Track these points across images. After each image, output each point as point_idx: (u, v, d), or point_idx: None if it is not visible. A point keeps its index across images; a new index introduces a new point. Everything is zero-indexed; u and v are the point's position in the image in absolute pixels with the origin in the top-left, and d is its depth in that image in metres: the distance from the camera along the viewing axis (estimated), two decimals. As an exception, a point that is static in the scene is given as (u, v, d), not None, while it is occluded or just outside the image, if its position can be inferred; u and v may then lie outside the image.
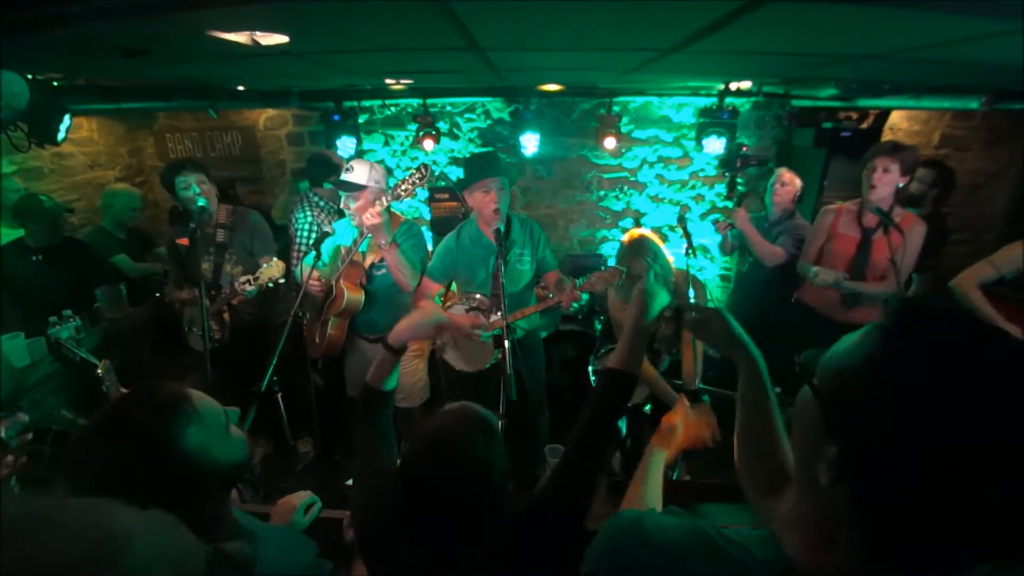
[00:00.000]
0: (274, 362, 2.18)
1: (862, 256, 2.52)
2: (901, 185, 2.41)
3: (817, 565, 0.55)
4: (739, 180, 4.26)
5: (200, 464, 0.87)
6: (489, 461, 0.99)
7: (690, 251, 2.50)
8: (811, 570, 0.55)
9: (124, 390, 1.45)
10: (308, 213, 3.20)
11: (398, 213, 2.63)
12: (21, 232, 2.93)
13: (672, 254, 2.58)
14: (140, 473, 0.82)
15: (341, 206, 2.43)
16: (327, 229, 2.59)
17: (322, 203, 3.25)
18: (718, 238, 3.51)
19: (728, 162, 3.59)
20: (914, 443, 0.46)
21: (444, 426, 1.02)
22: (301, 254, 3.03)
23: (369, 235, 2.40)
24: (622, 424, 2.82)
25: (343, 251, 2.52)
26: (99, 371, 1.45)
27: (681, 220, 2.75)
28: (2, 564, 0.36)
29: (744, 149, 3.54)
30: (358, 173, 2.36)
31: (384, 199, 2.26)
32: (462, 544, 0.98)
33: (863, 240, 2.51)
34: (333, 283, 2.47)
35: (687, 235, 2.59)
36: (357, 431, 1.31)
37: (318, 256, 2.42)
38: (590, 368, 2.78)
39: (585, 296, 2.56)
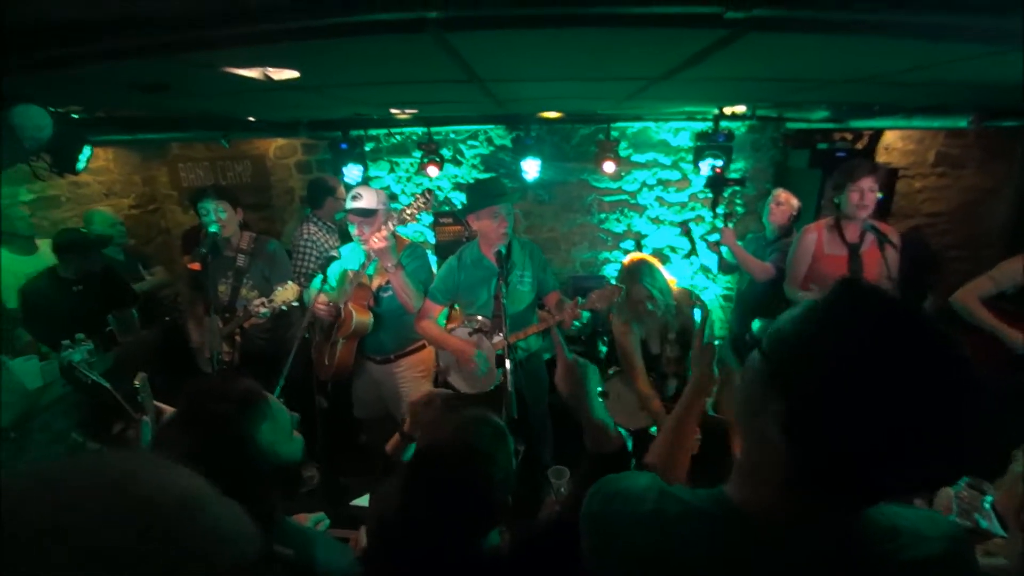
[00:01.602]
0: (281, 383, 2.21)
1: (855, 272, 2.55)
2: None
3: (743, 498, 0.65)
4: (738, 201, 4.34)
5: (267, 457, 0.97)
6: (493, 456, 1.05)
7: (693, 255, 2.52)
8: (742, 503, 0.65)
9: (158, 404, 1.54)
10: (309, 235, 3.32)
11: (403, 236, 2.70)
12: (46, 261, 2.98)
13: (675, 269, 2.62)
14: (216, 457, 0.88)
15: (355, 233, 2.48)
16: (333, 253, 2.65)
17: (321, 224, 3.38)
18: (715, 257, 3.57)
19: (709, 183, 3.70)
20: (839, 399, 0.55)
21: (458, 421, 1.11)
22: (306, 275, 3.10)
23: (375, 258, 2.47)
24: (628, 442, 2.82)
25: (351, 275, 2.58)
26: (136, 383, 1.55)
27: (684, 224, 2.80)
28: (81, 513, 0.38)
29: (718, 171, 3.62)
30: (367, 199, 2.42)
31: (390, 223, 2.33)
32: (458, 532, 1.02)
33: (851, 256, 2.55)
34: (341, 306, 2.52)
35: (691, 240, 2.61)
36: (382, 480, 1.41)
37: (324, 279, 2.48)
38: (599, 390, 2.80)
39: (586, 314, 2.59)
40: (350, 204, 2.43)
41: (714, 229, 4.38)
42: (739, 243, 3.33)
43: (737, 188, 4.24)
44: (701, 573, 0.63)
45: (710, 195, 4.29)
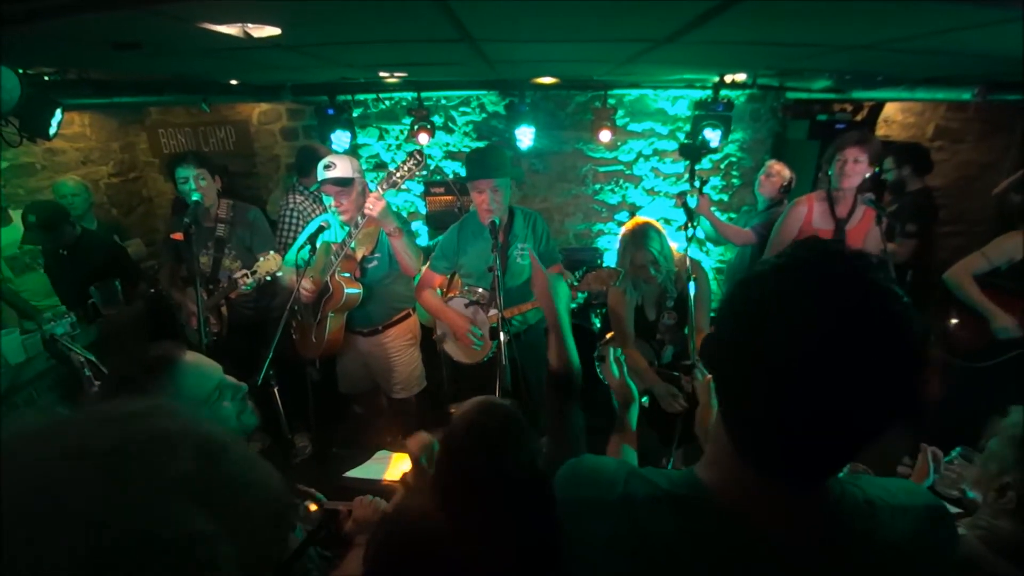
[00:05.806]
0: (270, 356, 2.17)
1: None
2: (868, 175, 2.43)
3: (713, 480, 0.64)
4: (734, 173, 4.28)
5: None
6: (536, 448, 1.00)
7: (691, 225, 2.43)
8: (711, 484, 0.64)
9: None
10: (295, 204, 3.27)
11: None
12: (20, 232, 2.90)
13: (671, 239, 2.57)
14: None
15: (332, 204, 2.41)
16: (323, 223, 2.57)
17: (307, 192, 3.33)
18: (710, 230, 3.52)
19: (683, 152, 3.65)
20: (743, 350, 0.56)
21: (486, 423, 0.99)
22: (291, 246, 3.03)
23: (351, 230, 2.39)
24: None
25: (334, 247, 2.51)
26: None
27: (681, 195, 2.74)
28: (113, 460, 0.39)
29: (689, 138, 3.58)
30: (342, 168, 2.33)
31: (381, 186, 2.25)
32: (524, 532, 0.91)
33: (836, 231, 2.50)
34: (328, 280, 2.46)
35: (688, 211, 2.53)
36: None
37: (313, 250, 2.41)
38: (595, 354, 2.80)
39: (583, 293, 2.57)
40: (324, 174, 2.34)
41: (711, 202, 4.35)
42: (733, 216, 3.29)
43: (735, 159, 4.18)
44: (672, 561, 0.61)
45: (708, 166, 4.24)
